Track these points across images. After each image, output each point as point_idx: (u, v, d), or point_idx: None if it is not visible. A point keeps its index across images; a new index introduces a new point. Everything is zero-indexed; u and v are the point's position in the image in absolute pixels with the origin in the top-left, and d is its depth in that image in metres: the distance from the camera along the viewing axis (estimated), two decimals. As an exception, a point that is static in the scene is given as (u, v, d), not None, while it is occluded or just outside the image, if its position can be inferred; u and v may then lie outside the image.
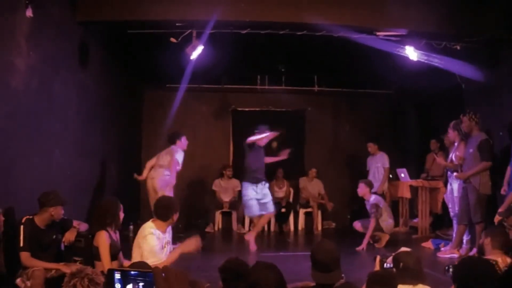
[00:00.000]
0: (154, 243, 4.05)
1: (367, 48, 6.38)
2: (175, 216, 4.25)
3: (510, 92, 6.43)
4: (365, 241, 7.11)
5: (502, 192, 5.91)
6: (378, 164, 8.57)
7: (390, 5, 6.06)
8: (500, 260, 3.76)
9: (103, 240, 4.06)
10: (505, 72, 6.58)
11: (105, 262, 4.00)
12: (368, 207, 7.43)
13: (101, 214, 4.24)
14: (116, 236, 4.33)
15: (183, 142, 7.35)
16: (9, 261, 4.05)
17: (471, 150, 6.27)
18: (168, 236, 4.28)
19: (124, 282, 2.53)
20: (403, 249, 3.98)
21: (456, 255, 6.32)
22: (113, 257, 4.15)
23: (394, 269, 3.04)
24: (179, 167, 7.16)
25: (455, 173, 6.50)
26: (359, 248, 7.03)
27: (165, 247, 4.19)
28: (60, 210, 4.30)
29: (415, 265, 3.12)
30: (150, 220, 4.27)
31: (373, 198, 7.34)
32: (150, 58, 7.93)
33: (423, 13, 6.16)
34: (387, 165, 8.52)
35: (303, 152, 10.17)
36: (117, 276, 2.54)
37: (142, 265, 3.26)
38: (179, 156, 7.19)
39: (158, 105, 9.46)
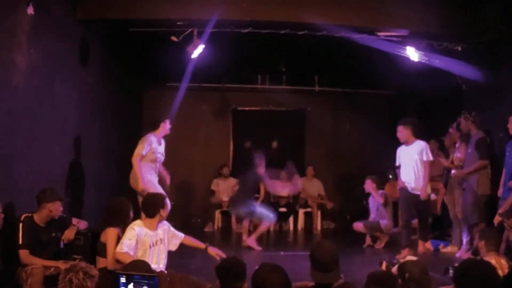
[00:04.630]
0: (128, 236, 3.99)
1: (368, 48, 6.38)
2: (163, 212, 4.23)
3: (511, 93, 6.44)
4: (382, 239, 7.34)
5: (499, 194, 5.96)
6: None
7: (391, 6, 6.06)
8: (494, 261, 3.77)
9: (113, 237, 4.06)
10: (505, 73, 6.58)
11: (110, 259, 4.00)
12: (372, 204, 7.44)
13: (114, 213, 4.24)
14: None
15: (166, 126, 6.32)
16: (8, 259, 4.05)
17: (469, 150, 6.31)
18: (161, 233, 4.23)
19: (127, 284, 2.55)
20: (409, 258, 3.95)
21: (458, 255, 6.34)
22: None
23: (400, 280, 3.00)
24: (159, 157, 6.18)
25: (453, 171, 6.52)
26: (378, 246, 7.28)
27: (156, 244, 4.15)
28: (59, 206, 4.30)
29: (421, 275, 3.03)
30: (140, 219, 4.26)
31: (381, 192, 7.46)
32: (150, 57, 7.93)
33: (424, 13, 6.16)
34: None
35: (304, 152, 10.17)
36: (122, 280, 2.56)
37: (140, 264, 3.26)
38: (154, 145, 6.10)
39: (158, 104, 9.45)
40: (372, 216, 7.57)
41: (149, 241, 4.09)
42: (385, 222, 7.29)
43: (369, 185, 7.47)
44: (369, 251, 7.07)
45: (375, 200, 7.50)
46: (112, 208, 4.30)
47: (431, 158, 6.35)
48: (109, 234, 4.07)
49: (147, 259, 3.98)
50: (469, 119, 6.32)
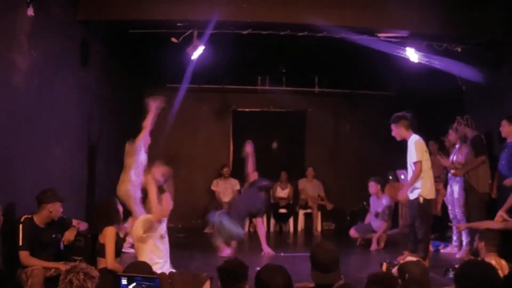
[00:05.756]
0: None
1: (368, 49, 6.39)
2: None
3: (511, 93, 6.44)
4: (374, 240, 7.17)
5: (493, 195, 6.03)
6: None
7: (391, 7, 6.06)
8: (494, 262, 3.77)
9: (111, 236, 4.08)
10: (506, 74, 6.59)
11: (109, 258, 4.01)
12: (377, 207, 7.42)
13: (104, 212, 4.26)
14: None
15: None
16: (9, 260, 4.05)
17: (466, 150, 6.38)
18: (164, 227, 4.37)
19: (128, 285, 2.56)
20: (409, 258, 3.94)
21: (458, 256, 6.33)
22: (119, 252, 4.18)
23: (400, 281, 3.00)
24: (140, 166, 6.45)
25: (452, 171, 6.51)
26: (372, 248, 7.12)
27: (164, 236, 4.25)
28: (59, 207, 4.31)
29: (421, 276, 3.01)
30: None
31: (386, 200, 7.36)
32: (151, 58, 7.94)
33: (424, 14, 6.16)
34: None
35: (304, 152, 10.16)
36: (124, 282, 2.56)
37: (141, 264, 3.25)
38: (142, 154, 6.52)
39: (158, 105, 9.45)
40: (370, 217, 7.57)
41: (161, 231, 4.14)
42: (377, 224, 7.29)
43: (373, 187, 7.47)
44: (369, 252, 7.06)
45: (376, 200, 7.49)
46: (106, 208, 4.32)
47: (414, 159, 5.56)
48: (108, 233, 4.09)
49: (161, 248, 4.06)
50: (462, 123, 6.41)
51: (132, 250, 5.20)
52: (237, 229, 6.53)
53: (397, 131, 5.76)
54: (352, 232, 7.60)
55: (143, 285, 2.51)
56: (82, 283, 2.60)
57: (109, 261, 3.98)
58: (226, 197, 9.12)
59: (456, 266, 3.91)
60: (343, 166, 9.94)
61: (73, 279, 2.59)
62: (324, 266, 2.95)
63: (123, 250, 4.61)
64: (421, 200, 5.49)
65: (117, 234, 4.18)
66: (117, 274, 2.59)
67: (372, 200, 7.60)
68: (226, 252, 6.39)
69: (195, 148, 9.81)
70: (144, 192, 5.36)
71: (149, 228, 4.16)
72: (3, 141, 4.40)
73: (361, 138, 9.88)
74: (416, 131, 5.80)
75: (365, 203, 8.28)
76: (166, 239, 4.41)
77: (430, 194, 5.56)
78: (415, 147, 5.57)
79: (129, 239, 5.28)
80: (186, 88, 8.32)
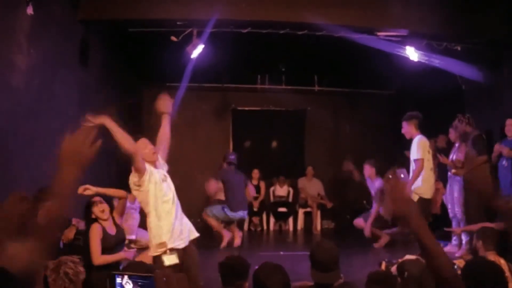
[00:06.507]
0: None
1: (367, 48, 6.39)
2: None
3: (511, 93, 6.44)
4: (367, 228, 7.14)
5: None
6: None
7: (391, 6, 6.07)
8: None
9: (93, 233, 4.13)
10: (505, 73, 6.59)
11: (93, 255, 4.03)
12: (372, 190, 7.40)
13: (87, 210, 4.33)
14: (113, 229, 4.38)
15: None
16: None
17: (466, 149, 6.37)
18: (163, 167, 4.09)
19: (123, 283, 2.57)
20: (408, 257, 3.94)
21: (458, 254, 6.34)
22: (109, 249, 4.18)
23: (399, 279, 3.01)
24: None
25: (452, 170, 6.51)
26: (367, 234, 7.15)
27: (165, 180, 4.01)
28: None
29: (420, 274, 3.03)
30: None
31: (379, 182, 7.34)
32: (150, 57, 7.94)
33: (424, 13, 6.17)
34: None
35: (303, 151, 10.17)
36: (118, 280, 2.57)
37: (140, 265, 3.25)
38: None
39: (158, 104, 9.44)
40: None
41: (158, 176, 3.98)
42: (375, 207, 7.27)
43: (368, 170, 7.46)
44: (369, 251, 7.07)
45: (371, 183, 7.48)
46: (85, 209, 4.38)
47: (415, 156, 5.67)
48: (91, 230, 4.14)
49: (166, 190, 3.91)
50: (464, 121, 6.40)
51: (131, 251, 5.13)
52: (242, 213, 7.20)
53: (408, 128, 5.86)
54: (360, 221, 7.47)
55: (139, 283, 2.52)
56: (75, 270, 2.69)
57: (93, 257, 4.01)
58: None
59: (455, 261, 3.91)
60: (343, 165, 9.93)
61: (66, 270, 2.66)
62: (324, 265, 2.95)
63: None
64: (416, 198, 5.54)
65: (104, 231, 4.21)
66: (112, 272, 2.61)
67: (368, 183, 7.59)
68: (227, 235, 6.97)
69: (194, 147, 9.81)
70: None
71: (138, 167, 3.91)
72: (2, 140, 4.40)
73: (360, 137, 9.88)
74: (422, 132, 5.89)
75: (365, 201, 8.28)
76: (167, 181, 4.03)
77: (427, 194, 5.60)
78: (418, 145, 5.65)
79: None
80: (186, 87, 8.29)
